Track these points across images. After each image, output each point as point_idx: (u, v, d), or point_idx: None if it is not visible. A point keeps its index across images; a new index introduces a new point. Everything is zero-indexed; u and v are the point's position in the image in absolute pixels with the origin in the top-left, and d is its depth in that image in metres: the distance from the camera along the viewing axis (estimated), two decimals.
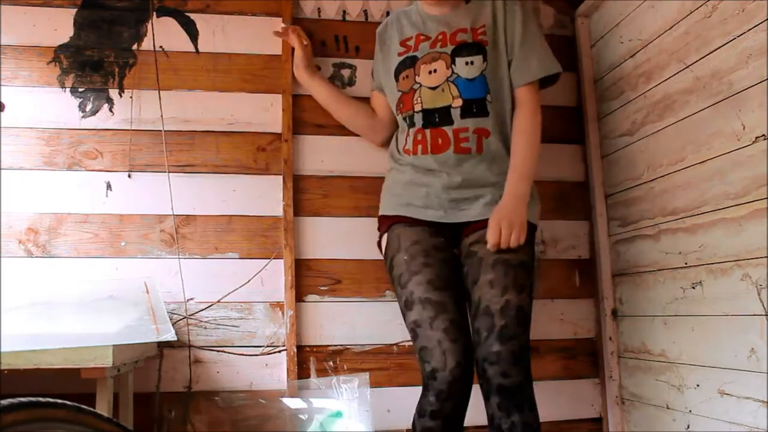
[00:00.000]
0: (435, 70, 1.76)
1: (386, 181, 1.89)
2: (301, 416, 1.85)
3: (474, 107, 1.73)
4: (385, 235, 1.79)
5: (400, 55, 1.85)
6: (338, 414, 1.81)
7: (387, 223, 1.80)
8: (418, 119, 1.76)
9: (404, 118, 1.82)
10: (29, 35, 1.99)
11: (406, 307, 1.63)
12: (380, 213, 1.86)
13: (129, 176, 1.98)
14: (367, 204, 2.04)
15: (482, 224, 1.67)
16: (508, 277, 1.58)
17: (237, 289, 1.96)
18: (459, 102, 1.73)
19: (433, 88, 1.75)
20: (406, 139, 1.80)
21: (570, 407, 2.09)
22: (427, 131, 1.74)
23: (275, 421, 1.88)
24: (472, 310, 1.62)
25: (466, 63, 1.75)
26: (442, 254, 1.69)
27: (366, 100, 2.07)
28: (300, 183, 2.06)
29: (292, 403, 1.89)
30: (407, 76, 1.81)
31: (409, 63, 1.81)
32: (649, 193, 1.92)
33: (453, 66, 1.75)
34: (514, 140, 1.74)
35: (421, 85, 1.77)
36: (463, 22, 1.79)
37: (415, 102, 1.77)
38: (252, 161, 2.05)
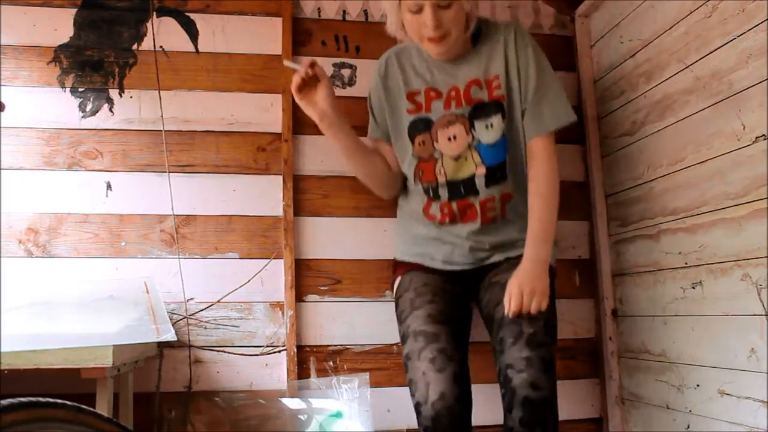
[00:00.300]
0: (454, 137, 1.65)
1: (404, 225, 1.82)
2: (301, 416, 1.85)
3: (497, 173, 1.66)
4: (399, 278, 1.75)
5: (410, 112, 1.70)
6: (338, 414, 1.81)
7: (404, 269, 1.75)
8: (443, 192, 1.67)
9: (426, 189, 1.71)
10: (29, 35, 1.99)
11: (402, 342, 1.57)
12: (397, 258, 1.81)
13: (128, 176, 1.98)
14: (367, 204, 2.04)
15: (505, 265, 1.64)
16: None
17: (237, 289, 1.96)
18: (483, 170, 1.64)
19: (456, 158, 1.65)
20: (430, 206, 1.72)
21: (570, 407, 2.09)
22: (454, 203, 1.67)
23: (275, 421, 1.88)
24: (495, 326, 1.55)
25: (486, 126, 1.63)
26: (451, 295, 1.63)
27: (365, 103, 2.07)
28: (300, 183, 2.06)
29: (292, 403, 1.89)
30: (423, 142, 1.68)
31: (423, 126, 1.68)
32: (649, 193, 1.92)
33: (473, 131, 1.64)
34: (530, 201, 1.62)
35: (442, 155, 1.66)
36: (475, 70, 1.65)
37: (438, 173, 1.66)
38: (252, 161, 2.05)
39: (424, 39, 1.57)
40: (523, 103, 1.64)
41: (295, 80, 1.59)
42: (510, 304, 1.48)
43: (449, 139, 1.65)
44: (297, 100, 1.61)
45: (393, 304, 1.78)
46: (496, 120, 1.63)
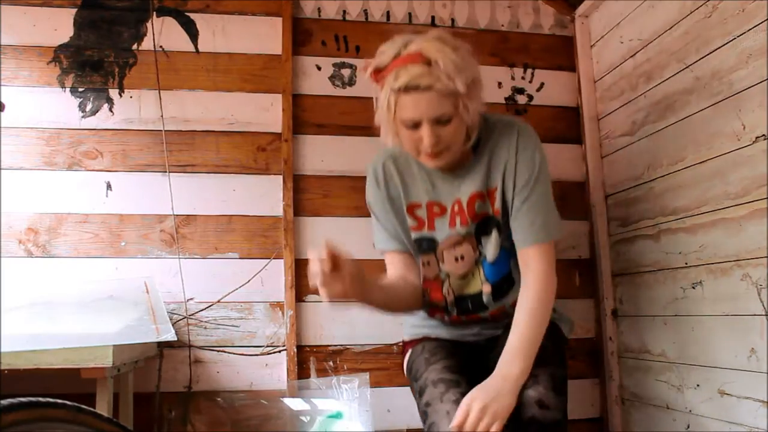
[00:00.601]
0: (462, 257, 1.53)
1: (414, 318, 1.68)
2: (302, 417, 1.85)
3: (504, 286, 1.54)
4: (410, 350, 1.62)
5: (412, 229, 1.57)
6: (338, 415, 1.81)
7: (414, 343, 1.63)
8: (452, 309, 1.57)
9: (434, 305, 1.61)
10: (29, 35, 1.99)
11: (419, 396, 1.43)
12: (406, 339, 1.70)
13: (128, 176, 1.98)
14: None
15: None
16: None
17: (237, 289, 1.96)
18: (488, 288, 1.54)
19: (463, 276, 1.55)
20: (436, 312, 1.62)
21: (570, 407, 2.07)
22: (463, 317, 1.58)
23: (275, 422, 1.88)
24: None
25: (489, 242, 1.53)
26: (465, 352, 1.54)
27: (368, 106, 2.08)
28: (300, 183, 2.06)
29: (293, 403, 1.89)
30: (428, 263, 1.56)
31: (427, 246, 1.55)
32: (649, 193, 1.92)
33: (480, 247, 1.53)
34: (517, 314, 1.43)
35: (449, 275, 1.55)
36: (477, 182, 1.51)
37: (446, 293, 1.56)
38: (252, 161, 2.05)
39: (421, 153, 1.43)
40: (513, 208, 1.49)
41: (317, 280, 1.28)
42: (455, 418, 1.29)
43: (456, 259, 1.53)
44: (325, 298, 1.31)
45: None
46: (494, 235, 1.52)
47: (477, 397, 1.29)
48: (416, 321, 1.67)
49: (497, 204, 1.50)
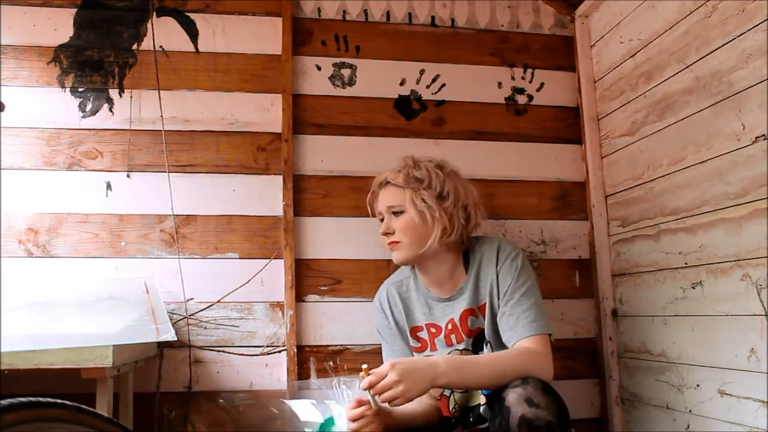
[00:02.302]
0: None
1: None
2: (302, 417, 1.85)
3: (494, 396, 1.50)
4: None
5: (416, 350, 1.67)
6: (330, 420, 1.78)
7: None
8: (456, 423, 1.63)
9: (445, 420, 1.65)
10: (29, 35, 1.99)
11: None
12: None
13: (128, 176, 1.98)
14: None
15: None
16: None
17: (237, 289, 1.96)
18: (484, 399, 1.57)
19: (465, 390, 1.59)
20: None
21: (570, 407, 2.06)
22: (466, 430, 1.62)
23: (275, 422, 1.88)
24: None
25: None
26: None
27: (368, 106, 2.08)
28: (300, 183, 2.06)
29: (292, 403, 1.89)
30: None
31: None
32: (649, 193, 1.92)
33: None
34: (511, 351, 1.47)
35: (453, 391, 1.61)
36: (468, 299, 1.60)
37: (452, 409, 1.62)
38: (252, 161, 2.05)
39: (385, 243, 1.64)
40: (499, 315, 1.54)
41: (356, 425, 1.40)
42: (373, 375, 1.34)
43: None
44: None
45: None
46: (488, 348, 1.58)
47: (397, 367, 1.33)
48: None
49: (487, 318, 1.58)
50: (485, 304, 1.59)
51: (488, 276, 1.59)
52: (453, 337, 1.62)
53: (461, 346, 1.61)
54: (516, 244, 1.64)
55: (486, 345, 1.59)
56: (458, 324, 1.61)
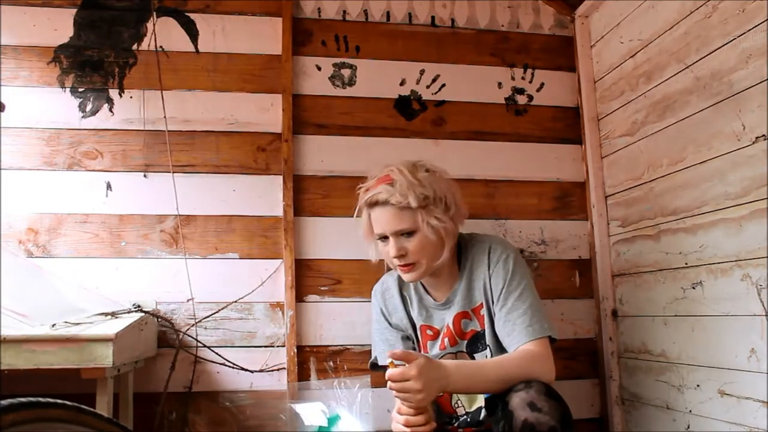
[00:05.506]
0: None
1: None
2: (301, 417, 1.85)
3: (498, 400, 1.45)
4: None
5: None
6: (336, 417, 1.80)
7: None
8: (457, 422, 1.62)
9: (443, 418, 1.65)
10: (29, 35, 1.99)
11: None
12: None
13: (145, 176, 1.98)
14: None
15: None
16: None
17: (243, 297, 1.96)
18: (482, 404, 1.57)
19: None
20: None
21: (570, 407, 2.07)
22: (460, 430, 1.62)
23: (275, 422, 1.88)
24: None
25: (482, 358, 1.57)
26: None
27: (368, 106, 2.09)
28: (300, 183, 2.06)
29: (292, 403, 1.89)
30: None
31: None
32: (649, 193, 1.92)
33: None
34: (517, 354, 1.44)
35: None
36: (462, 301, 1.58)
37: (457, 407, 1.61)
38: (252, 161, 2.05)
39: (396, 266, 1.55)
40: (496, 321, 1.52)
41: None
42: (396, 372, 1.30)
43: None
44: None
45: None
46: (487, 352, 1.56)
47: (422, 378, 1.27)
48: None
49: (485, 320, 1.56)
50: (481, 305, 1.57)
51: (480, 279, 1.56)
52: (446, 340, 1.61)
53: (454, 349, 1.60)
54: (508, 244, 1.61)
55: (484, 347, 1.58)
56: (451, 327, 1.60)
